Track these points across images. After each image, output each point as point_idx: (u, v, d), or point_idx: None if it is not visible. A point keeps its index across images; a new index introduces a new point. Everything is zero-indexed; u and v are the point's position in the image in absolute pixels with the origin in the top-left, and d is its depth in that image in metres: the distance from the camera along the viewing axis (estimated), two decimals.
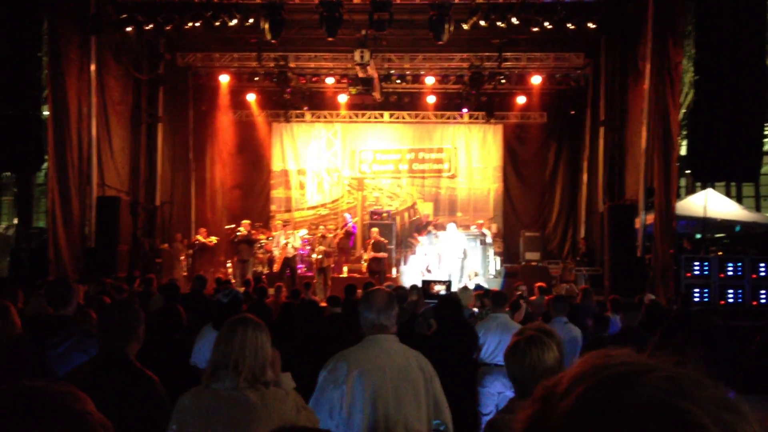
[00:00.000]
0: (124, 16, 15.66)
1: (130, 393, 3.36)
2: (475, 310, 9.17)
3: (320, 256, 17.47)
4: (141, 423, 3.26)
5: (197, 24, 15.56)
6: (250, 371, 3.03)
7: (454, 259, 15.19)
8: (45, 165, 14.39)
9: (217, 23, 15.49)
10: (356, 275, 17.70)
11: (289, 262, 17.57)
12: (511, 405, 3.18)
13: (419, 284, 11.19)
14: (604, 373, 0.87)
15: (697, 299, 12.19)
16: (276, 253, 17.88)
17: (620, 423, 0.81)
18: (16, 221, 22.77)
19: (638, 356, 0.90)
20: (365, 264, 17.83)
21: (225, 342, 3.08)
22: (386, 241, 17.96)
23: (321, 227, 19.03)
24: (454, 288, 11.08)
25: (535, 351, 3.06)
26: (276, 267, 17.75)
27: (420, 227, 20.56)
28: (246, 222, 18.28)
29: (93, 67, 15.20)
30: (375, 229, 18.10)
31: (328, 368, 3.71)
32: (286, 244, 17.65)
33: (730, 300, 12.25)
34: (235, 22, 15.47)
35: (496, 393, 6.93)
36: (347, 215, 20.50)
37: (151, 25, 15.87)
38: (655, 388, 0.82)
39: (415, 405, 3.70)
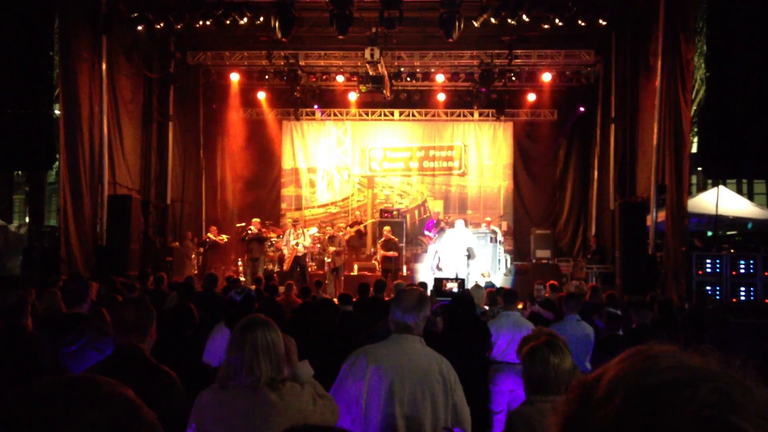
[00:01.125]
0: (135, 15, 15.70)
1: (149, 390, 3.37)
2: (486, 308, 9.15)
3: (330, 259, 17.46)
4: (160, 420, 3.28)
5: (208, 23, 15.59)
6: (265, 374, 3.07)
7: (459, 257, 15.17)
8: (56, 164, 14.45)
9: (228, 22, 15.50)
10: (367, 273, 17.71)
11: (299, 260, 17.59)
12: (531, 398, 3.21)
13: (431, 282, 11.19)
14: (647, 381, 0.83)
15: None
16: (286, 251, 17.90)
17: None
18: (28, 220, 22.91)
19: (683, 357, 0.85)
20: (377, 262, 17.84)
21: (237, 347, 3.11)
22: (397, 239, 17.96)
23: (329, 228, 18.95)
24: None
25: (554, 358, 3.12)
26: (286, 265, 17.77)
27: (431, 225, 20.54)
28: (256, 220, 18.31)
29: (104, 66, 15.25)
30: (387, 228, 18.09)
31: (349, 362, 3.72)
32: (297, 242, 17.68)
33: (743, 297, 12.20)
34: (245, 20, 15.48)
35: (508, 391, 6.93)
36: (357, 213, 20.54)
37: (161, 24, 15.90)
38: (703, 404, 0.78)
39: (431, 409, 3.66)
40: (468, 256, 14.86)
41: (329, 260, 17.55)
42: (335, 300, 9.91)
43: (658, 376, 0.83)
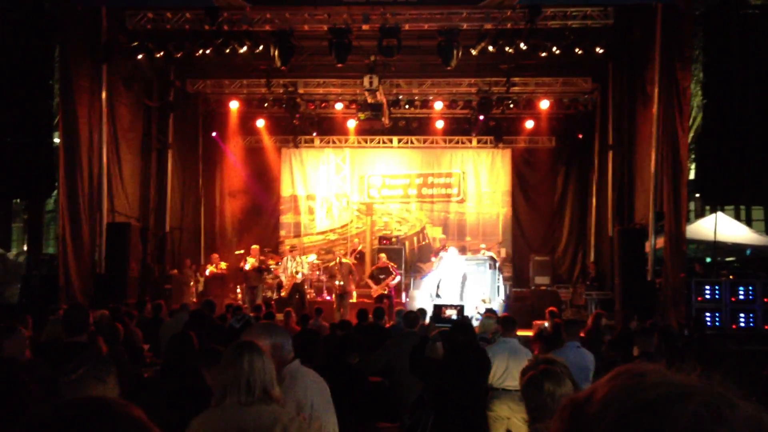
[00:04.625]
0: (135, 44, 15.81)
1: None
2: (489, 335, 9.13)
3: (341, 282, 17.36)
4: None
5: (207, 51, 15.68)
6: (261, 387, 3.15)
7: (454, 283, 15.18)
8: (55, 192, 14.47)
9: (227, 50, 15.60)
10: (366, 300, 17.67)
11: (298, 288, 17.56)
12: (534, 428, 3.21)
13: (430, 309, 11.18)
14: (638, 397, 0.85)
15: (708, 323, 12.12)
16: (284, 278, 17.87)
17: None
18: (26, 248, 22.89)
19: (670, 375, 0.88)
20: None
21: (232, 364, 3.18)
22: (394, 265, 17.91)
23: (337, 258, 18.69)
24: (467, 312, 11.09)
25: (549, 385, 3.12)
26: (284, 292, 17.74)
27: (435, 251, 20.55)
28: (255, 247, 18.31)
29: (104, 95, 15.30)
30: (382, 255, 18.09)
31: None
32: (297, 270, 17.66)
33: (742, 324, 12.17)
34: (245, 49, 15.58)
35: (505, 417, 6.89)
36: (356, 240, 20.53)
37: (161, 53, 16.00)
38: (692, 417, 0.81)
39: None
40: (463, 283, 14.85)
41: (340, 283, 17.41)
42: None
43: (648, 392, 0.85)
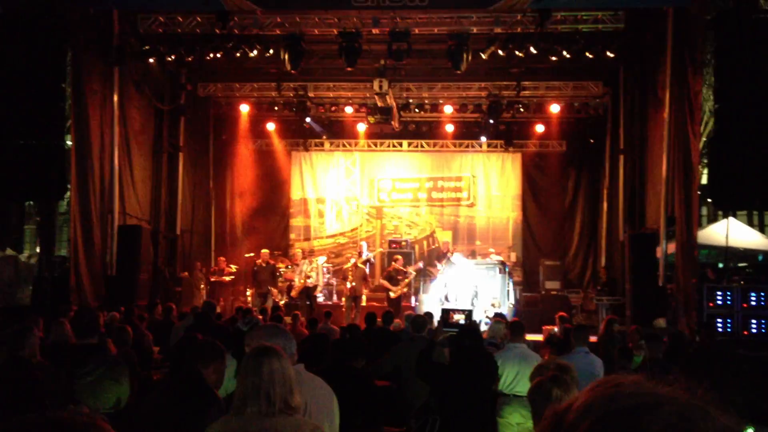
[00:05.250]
0: (147, 47, 15.89)
1: (202, 410, 3.55)
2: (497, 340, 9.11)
3: (354, 284, 17.33)
4: None
5: (218, 55, 15.74)
6: (281, 399, 3.10)
7: (465, 292, 15.14)
8: (67, 194, 14.53)
9: (238, 54, 15.66)
10: (375, 304, 17.67)
11: (308, 292, 17.56)
12: None
13: (438, 312, 11.15)
14: (612, 406, 0.87)
15: (720, 329, 12.04)
16: (297, 281, 17.86)
17: None
18: (38, 250, 23.00)
19: (648, 385, 0.89)
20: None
21: (253, 373, 3.13)
22: (405, 270, 17.90)
23: (351, 261, 18.59)
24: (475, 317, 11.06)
25: (557, 391, 3.09)
26: (294, 293, 17.73)
27: (440, 256, 20.52)
28: (265, 251, 18.34)
29: (116, 98, 15.38)
30: (399, 257, 18.07)
31: None
32: (307, 274, 17.64)
33: (754, 330, 12.08)
34: (255, 53, 15.63)
35: (515, 424, 6.87)
36: (363, 243, 20.52)
37: (173, 57, 16.08)
38: (663, 425, 0.82)
39: None
40: (475, 294, 14.82)
41: (353, 284, 17.37)
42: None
43: (622, 401, 0.87)
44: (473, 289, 15.52)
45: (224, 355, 4.38)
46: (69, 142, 14.70)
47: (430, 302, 16.57)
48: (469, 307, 12.49)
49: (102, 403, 4.67)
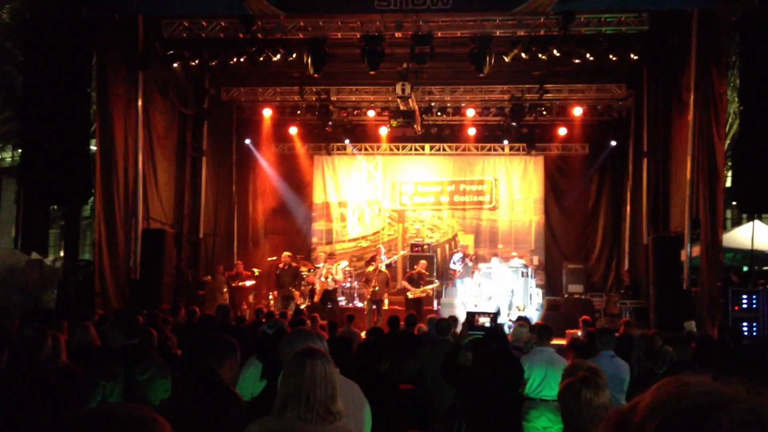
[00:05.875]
0: (171, 52, 15.99)
1: (217, 408, 3.72)
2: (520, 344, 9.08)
3: (377, 288, 17.28)
4: None
5: (242, 59, 15.81)
6: (321, 404, 3.04)
7: (503, 294, 15.13)
8: (92, 198, 14.65)
9: (261, 58, 15.72)
10: (398, 307, 17.65)
11: (329, 295, 17.57)
12: None
13: (462, 316, 11.13)
14: (682, 404, 0.86)
15: (745, 333, 11.93)
16: (318, 285, 17.89)
17: None
18: (63, 254, 23.21)
19: (714, 385, 0.89)
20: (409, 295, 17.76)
21: (295, 374, 3.09)
22: (426, 273, 17.87)
23: (371, 266, 18.50)
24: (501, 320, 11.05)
25: (587, 392, 3.06)
26: (317, 298, 17.77)
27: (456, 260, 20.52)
28: (287, 254, 18.37)
29: (140, 103, 15.50)
30: (423, 261, 18.05)
31: None
32: (328, 276, 17.67)
33: None
34: (278, 57, 15.69)
35: (542, 428, 6.83)
36: (381, 247, 20.53)
37: (196, 61, 16.17)
38: (734, 422, 0.81)
39: None
40: (512, 293, 14.79)
41: (375, 288, 17.32)
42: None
43: (691, 400, 0.88)
44: (508, 294, 15.50)
45: (237, 350, 4.35)
46: (93, 147, 14.82)
47: (454, 305, 16.56)
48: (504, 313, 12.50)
49: (157, 398, 5.05)
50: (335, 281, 17.76)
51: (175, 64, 16.43)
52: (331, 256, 18.98)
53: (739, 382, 0.90)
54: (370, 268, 17.84)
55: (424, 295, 17.52)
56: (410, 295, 17.30)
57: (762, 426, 0.81)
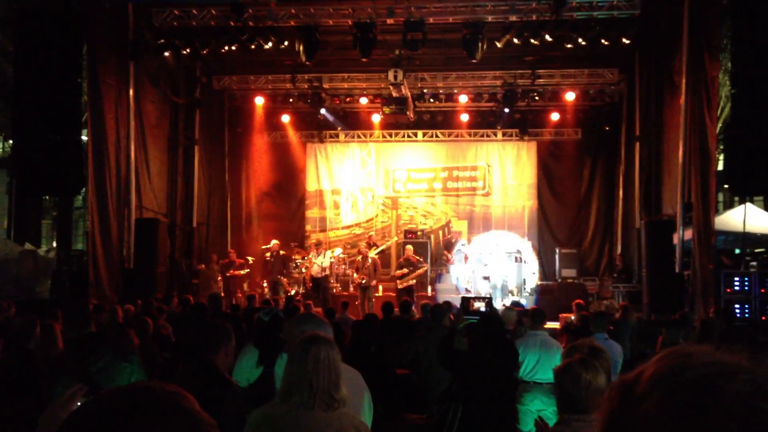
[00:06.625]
0: (162, 41, 15.95)
1: (213, 397, 3.67)
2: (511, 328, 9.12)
3: (363, 280, 17.27)
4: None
5: (233, 48, 15.78)
6: (324, 390, 3.06)
7: (498, 278, 15.17)
8: (84, 188, 14.61)
9: (253, 46, 15.69)
10: (392, 294, 17.67)
11: (320, 282, 17.55)
12: (565, 417, 3.17)
13: (458, 301, 11.17)
14: (684, 375, 0.87)
15: (738, 315, 12.01)
16: (313, 271, 17.89)
17: (706, 428, 0.81)
18: (56, 244, 23.16)
19: (717, 355, 0.90)
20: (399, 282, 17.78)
21: (298, 361, 3.11)
22: (419, 259, 17.85)
23: (359, 257, 18.46)
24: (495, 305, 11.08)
25: (586, 375, 3.07)
26: (309, 285, 17.79)
27: (449, 245, 20.56)
28: (275, 242, 18.34)
29: (131, 92, 15.46)
30: (409, 247, 18.06)
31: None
32: (313, 265, 17.67)
33: None
34: (270, 45, 15.66)
35: (536, 411, 6.88)
36: (372, 235, 20.57)
37: (188, 50, 16.12)
38: (737, 392, 0.83)
39: None
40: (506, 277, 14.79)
41: (363, 281, 17.32)
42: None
43: (695, 370, 0.88)
44: (502, 279, 15.54)
45: (231, 336, 4.32)
46: (85, 137, 14.78)
47: (448, 291, 16.59)
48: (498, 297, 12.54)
49: (118, 384, 4.87)
50: (322, 269, 17.71)
51: (166, 53, 16.39)
52: (317, 245, 18.94)
53: (740, 350, 0.91)
54: (359, 257, 17.86)
55: (414, 282, 17.51)
56: (400, 286, 17.33)
57: (761, 393, 0.82)
